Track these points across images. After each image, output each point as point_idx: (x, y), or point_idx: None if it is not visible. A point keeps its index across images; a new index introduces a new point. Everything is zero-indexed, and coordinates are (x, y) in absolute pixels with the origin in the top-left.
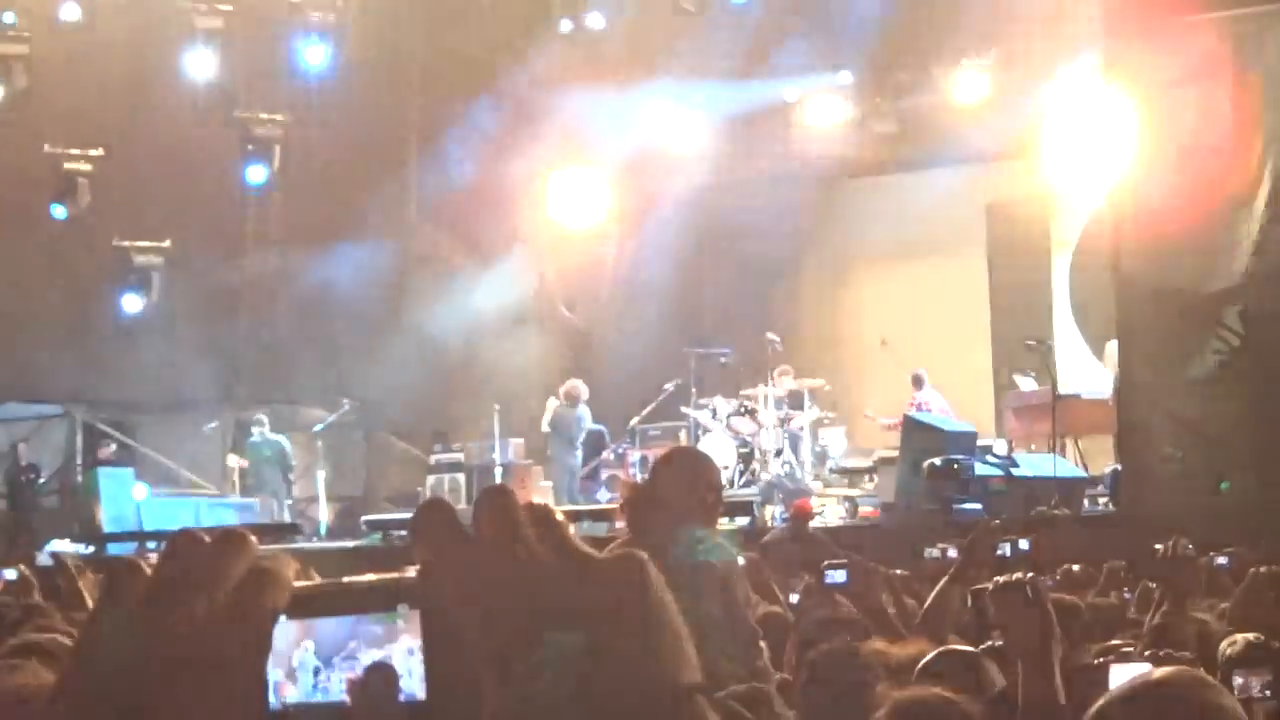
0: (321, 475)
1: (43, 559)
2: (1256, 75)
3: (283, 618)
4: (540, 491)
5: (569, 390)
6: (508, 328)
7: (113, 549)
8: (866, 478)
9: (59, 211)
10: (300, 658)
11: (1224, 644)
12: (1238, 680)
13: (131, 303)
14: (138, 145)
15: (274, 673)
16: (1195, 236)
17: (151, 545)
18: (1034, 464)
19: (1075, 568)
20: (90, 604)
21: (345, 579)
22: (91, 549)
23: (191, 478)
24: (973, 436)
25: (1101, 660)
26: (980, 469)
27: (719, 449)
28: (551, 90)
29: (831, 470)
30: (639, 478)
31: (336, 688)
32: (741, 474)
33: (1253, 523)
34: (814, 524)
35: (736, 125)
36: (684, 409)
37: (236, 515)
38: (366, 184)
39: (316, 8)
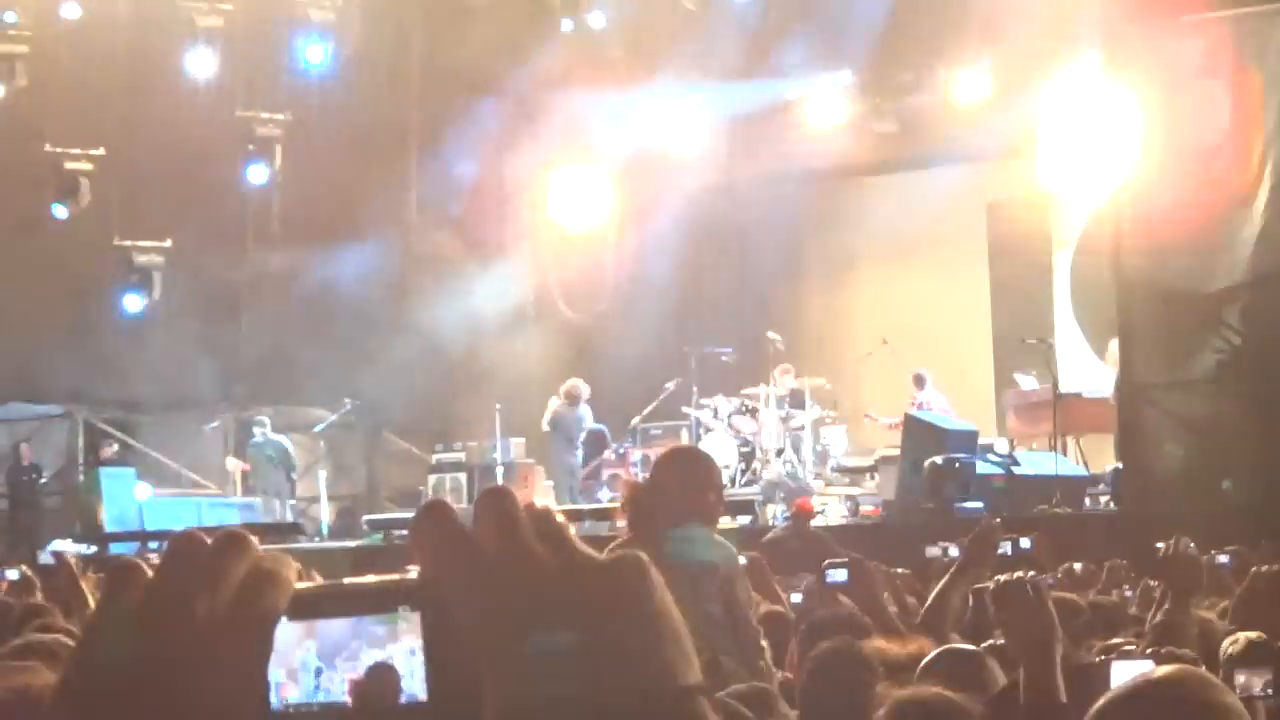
0: (323, 475)
1: (45, 559)
2: (1257, 74)
3: (284, 618)
4: (542, 491)
5: (570, 389)
6: (509, 327)
7: (115, 549)
8: (868, 476)
9: (60, 211)
10: (302, 658)
11: (1226, 642)
12: (1239, 679)
13: (133, 302)
14: (138, 145)
15: (275, 673)
16: (1195, 236)
17: (153, 545)
18: (1035, 462)
19: (1077, 566)
20: (92, 604)
21: (346, 580)
22: (93, 549)
23: (193, 478)
24: (974, 435)
25: (1103, 659)
26: (981, 468)
27: (720, 448)
28: (552, 90)
29: (833, 469)
30: (640, 477)
31: (338, 688)
32: (743, 473)
33: (1254, 521)
34: (815, 523)
35: (737, 125)
36: (685, 408)
37: (238, 515)
38: (367, 184)
39: (317, 7)
